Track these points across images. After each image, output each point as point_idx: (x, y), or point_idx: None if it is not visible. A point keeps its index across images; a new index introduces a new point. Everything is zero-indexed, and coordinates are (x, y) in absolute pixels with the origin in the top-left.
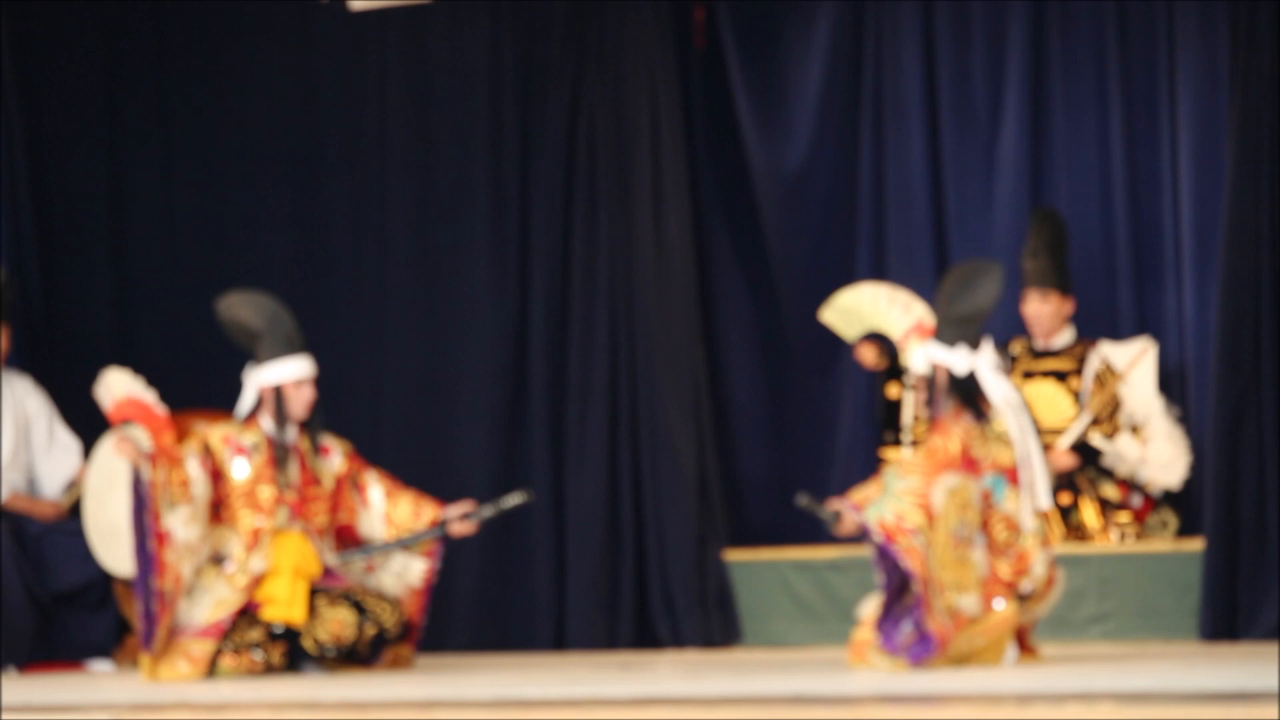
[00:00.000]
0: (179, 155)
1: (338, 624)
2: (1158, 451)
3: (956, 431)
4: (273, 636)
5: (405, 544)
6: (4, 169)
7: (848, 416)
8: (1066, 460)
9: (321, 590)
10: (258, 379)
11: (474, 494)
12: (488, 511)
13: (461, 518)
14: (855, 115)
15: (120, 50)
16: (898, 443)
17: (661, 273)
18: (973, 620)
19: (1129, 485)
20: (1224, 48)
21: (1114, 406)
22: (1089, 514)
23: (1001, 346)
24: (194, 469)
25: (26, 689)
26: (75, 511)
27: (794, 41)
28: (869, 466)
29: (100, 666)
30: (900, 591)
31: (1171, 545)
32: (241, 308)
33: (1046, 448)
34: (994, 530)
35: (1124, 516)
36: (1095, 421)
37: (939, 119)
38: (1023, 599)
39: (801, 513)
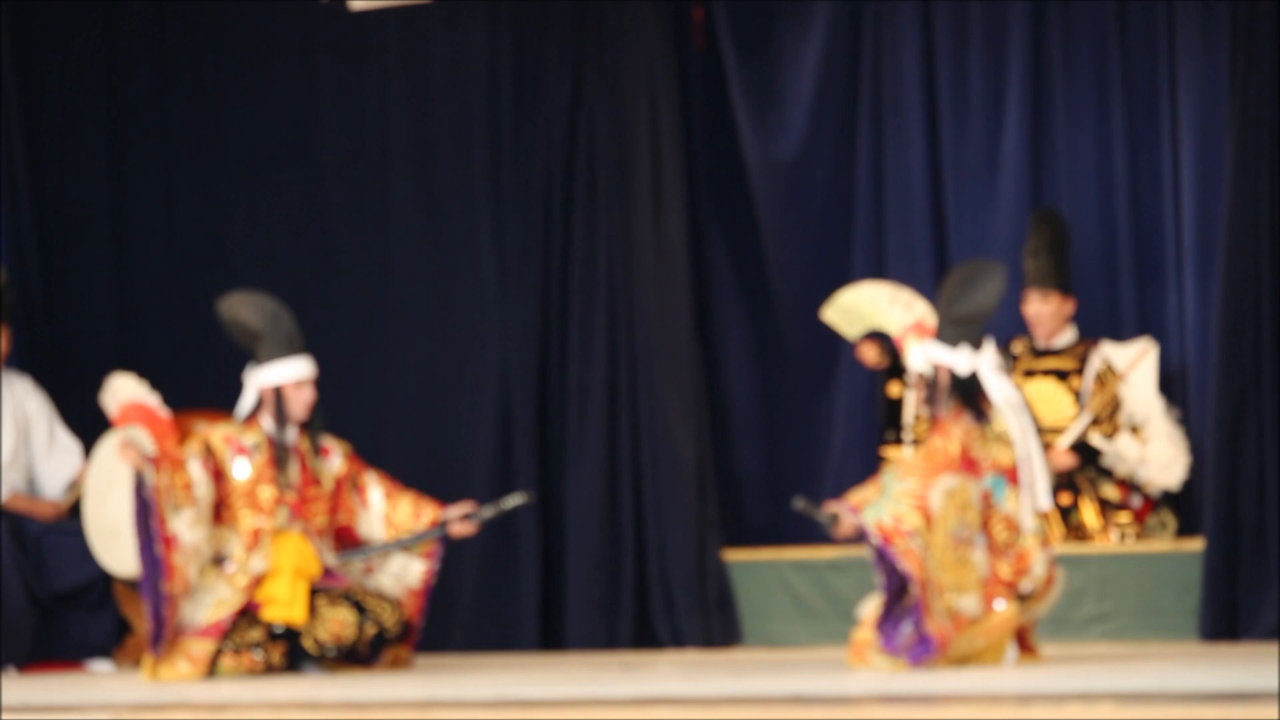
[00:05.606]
0: (179, 155)
1: (338, 624)
2: (1157, 452)
3: (956, 432)
4: (273, 636)
5: (405, 545)
6: (4, 169)
7: (847, 415)
8: (1066, 460)
9: (322, 590)
10: (258, 379)
11: (474, 494)
12: (488, 512)
13: (462, 518)
14: (853, 115)
15: (120, 50)
16: (899, 442)
17: (661, 273)
18: (973, 621)
19: (1129, 485)
20: (1224, 48)
21: (1114, 407)
22: (1089, 514)
23: (1003, 346)
24: (196, 470)
25: (26, 689)
26: (75, 512)
27: (791, 41)
28: (868, 465)
29: (100, 666)
30: (900, 593)
31: (1171, 545)
32: (242, 308)
33: (1046, 447)
34: (994, 531)
35: (1124, 517)
36: (1095, 421)
37: (938, 118)
38: (1023, 599)
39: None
